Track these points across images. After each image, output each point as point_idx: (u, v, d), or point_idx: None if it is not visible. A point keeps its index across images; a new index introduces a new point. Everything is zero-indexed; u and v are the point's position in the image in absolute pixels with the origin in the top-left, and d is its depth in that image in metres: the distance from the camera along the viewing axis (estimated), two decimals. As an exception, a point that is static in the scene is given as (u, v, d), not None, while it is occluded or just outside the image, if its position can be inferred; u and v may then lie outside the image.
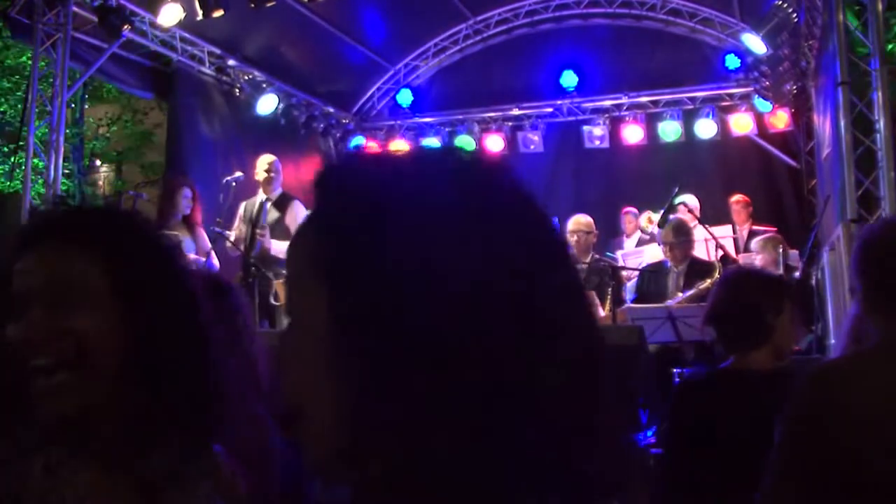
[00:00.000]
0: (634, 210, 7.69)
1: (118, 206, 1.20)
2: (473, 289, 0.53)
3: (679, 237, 5.21)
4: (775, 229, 6.92)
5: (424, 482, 0.53)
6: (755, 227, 6.88)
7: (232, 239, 5.68)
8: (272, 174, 5.74)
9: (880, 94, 4.85)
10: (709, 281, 4.87)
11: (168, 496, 1.01)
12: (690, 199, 6.46)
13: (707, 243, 5.81)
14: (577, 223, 5.86)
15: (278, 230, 5.63)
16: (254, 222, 5.64)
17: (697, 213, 6.17)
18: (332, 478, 0.59)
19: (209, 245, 5.58)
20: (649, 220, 7.12)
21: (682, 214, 5.96)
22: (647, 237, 7.11)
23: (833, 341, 4.88)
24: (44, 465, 0.96)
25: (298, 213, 5.74)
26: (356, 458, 0.55)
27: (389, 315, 0.52)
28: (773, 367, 2.30)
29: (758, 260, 5.74)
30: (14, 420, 0.98)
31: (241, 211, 5.87)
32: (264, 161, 5.81)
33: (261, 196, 5.79)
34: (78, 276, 0.96)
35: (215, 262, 5.63)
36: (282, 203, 5.76)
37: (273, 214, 5.71)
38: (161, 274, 1.03)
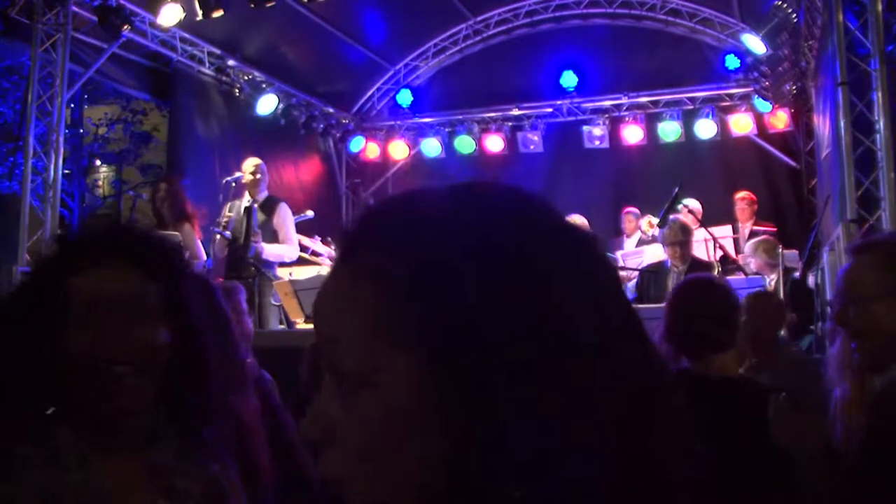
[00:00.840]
0: (635, 210, 7.69)
1: (151, 227, 1.34)
2: (555, 322, 0.53)
3: (685, 237, 5.22)
4: (775, 228, 6.92)
5: None
6: (756, 227, 6.87)
7: (228, 236, 5.65)
8: (258, 176, 5.67)
9: (880, 94, 4.85)
10: None
11: (177, 479, 1.15)
12: (693, 203, 6.44)
13: (707, 243, 5.81)
14: None
15: (265, 233, 5.56)
16: (246, 228, 5.59)
17: (700, 216, 6.16)
18: None
19: (201, 248, 5.60)
20: (650, 224, 7.12)
21: (682, 216, 5.95)
22: (648, 238, 7.11)
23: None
24: (77, 462, 1.07)
25: (285, 216, 5.68)
26: None
27: (494, 364, 0.51)
28: (737, 374, 2.29)
29: (752, 263, 5.74)
30: (33, 423, 1.08)
31: (226, 210, 5.80)
32: (250, 164, 5.75)
33: (247, 199, 5.71)
34: (144, 294, 1.14)
35: (204, 257, 5.62)
36: (268, 206, 5.70)
37: (260, 217, 5.65)
38: (190, 288, 1.22)
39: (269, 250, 5.52)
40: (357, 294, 0.55)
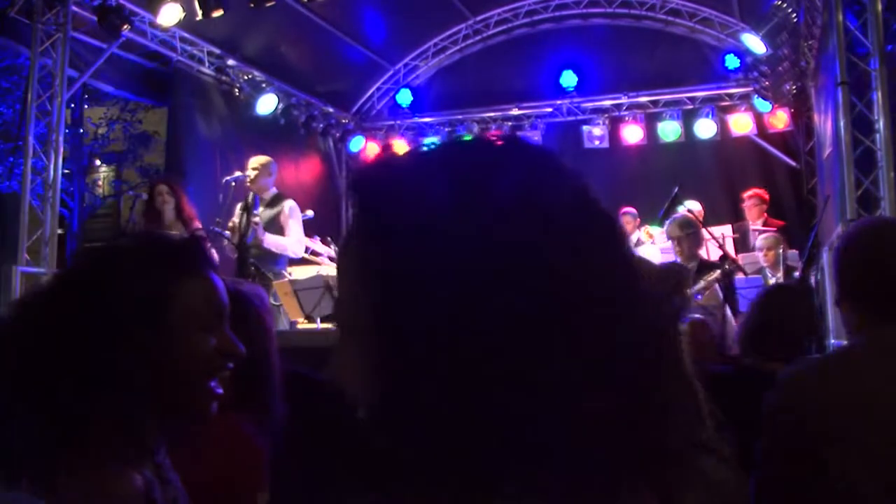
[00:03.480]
0: (632, 210, 7.69)
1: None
2: (494, 279, 0.55)
3: (686, 230, 5.21)
4: (784, 224, 6.93)
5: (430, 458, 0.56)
6: (764, 227, 6.84)
7: (227, 235, 5.66)
8: (254, 174, 5.70)
9: (880, 94, 4.85)
10: (717, 272, 4.85)
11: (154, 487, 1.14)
12: (694, 205, 6.44)
13: (707, 243, 5.80)
14: None
15: (273, 229, 5.61)
16: (246, 220, 5.63)
17: (700, 217, 6.15)
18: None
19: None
20: (648, 234, 7.11)
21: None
22: (648, 244, 7.10)
23: (833, 341, 4.88)
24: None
25: (292, 213, 5.72)
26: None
27: (425, 312, 0.56)
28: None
29: (762, 259, 5.73)
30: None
31: (237, 210, 5.84)
32: (253, 161, 5.82)
33: (252, 194, 5.78)
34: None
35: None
36: (275, 202, 5.74)
37: (267, 213, 5.68)
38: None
39: (271, 240, 5.54)
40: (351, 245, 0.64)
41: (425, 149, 0.65)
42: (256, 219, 5.51)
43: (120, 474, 1.00)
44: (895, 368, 1.49)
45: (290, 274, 5.61)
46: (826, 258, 5.27)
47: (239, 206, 5.85)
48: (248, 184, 5.73)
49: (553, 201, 0.59)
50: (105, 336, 1.00)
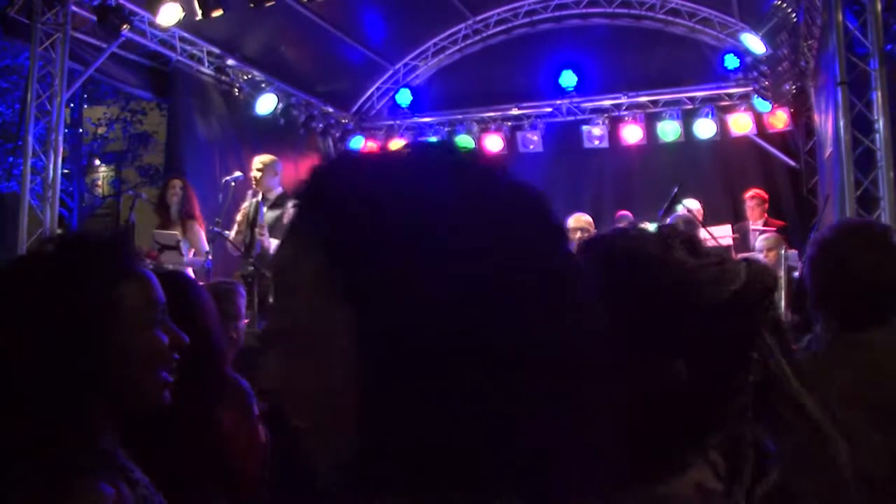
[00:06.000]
0: (629, 214, 7.68)
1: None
2: (483, 283, 0.56)
3: (690, 228, 5.23)
4: (785, 224, 6.93)
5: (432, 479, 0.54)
6: (765, 227, 6.84)
7: (231, 238, 5.67)
8: (258, 174, 5.70)
9: (879, 94, 4.86)
10: None
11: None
12: (693, 204, 6.44)
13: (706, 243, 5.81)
14: (579, 221, 5.89)
15: (278, 229, 5.61)
16: (251, 222, 5.64)
17: (700, 216, 6.16)
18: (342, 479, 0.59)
19: (206, 245, 5.60)
20: None
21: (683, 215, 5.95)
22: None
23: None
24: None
25: None
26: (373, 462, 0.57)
27: (418, 327, 0.54)
28: None
29: (764, 259, 5.73)
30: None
31: (238, 214, 5.84)
32: (256, 160, 5.82)
33: (257, 196, 5.78)
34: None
35: (204, 256, 5.61)
36: (280, 202, 5.73)
37: (271, 214, 5.68)
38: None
39: (276, 243, 5.53)
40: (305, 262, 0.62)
41: (388, 161, 0.66)
42: (262, 230, 5.49)
43: (87, 486, 1.01)
44: (859, 370, 1.50)
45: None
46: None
47: (240, 213, 5.82)
48: (254, 185, 5.73)
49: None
50: (55, 343, 1.04)
